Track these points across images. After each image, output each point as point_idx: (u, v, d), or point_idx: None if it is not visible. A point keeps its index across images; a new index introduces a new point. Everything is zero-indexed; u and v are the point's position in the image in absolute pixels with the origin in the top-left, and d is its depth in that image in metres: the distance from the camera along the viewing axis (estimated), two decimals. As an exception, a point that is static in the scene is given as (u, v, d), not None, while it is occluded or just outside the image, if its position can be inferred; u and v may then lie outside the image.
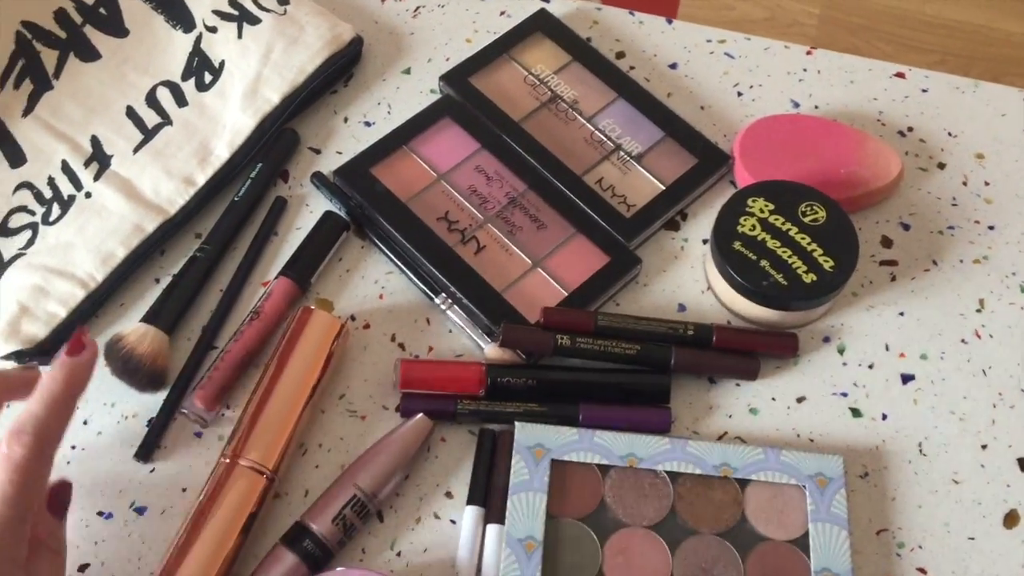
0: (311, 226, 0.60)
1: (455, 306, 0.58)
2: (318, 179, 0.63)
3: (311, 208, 0.62)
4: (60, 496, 0.47)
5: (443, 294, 0.58)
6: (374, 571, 0.48)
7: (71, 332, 0.56)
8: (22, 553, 0.42)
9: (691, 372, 0.57)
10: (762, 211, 0.58)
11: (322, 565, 0.49)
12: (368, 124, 0.66)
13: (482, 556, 0.51)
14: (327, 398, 0.56)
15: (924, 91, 0.67)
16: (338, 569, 0.48)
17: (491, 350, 0.56)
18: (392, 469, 0.52)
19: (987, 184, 0.64)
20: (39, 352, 0.56)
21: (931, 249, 0.61)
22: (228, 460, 0.51)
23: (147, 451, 0.54)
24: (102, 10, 0.68)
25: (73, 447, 0.54)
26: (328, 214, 0.61)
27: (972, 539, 0.52)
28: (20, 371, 0.47)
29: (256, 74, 0.64)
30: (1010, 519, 0.53)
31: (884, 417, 0.56)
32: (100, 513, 0.52)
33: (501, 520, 0.51)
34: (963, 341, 0.58)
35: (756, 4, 1.55)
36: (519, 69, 0.67)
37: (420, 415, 0.53)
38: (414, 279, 0.59)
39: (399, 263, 0.60)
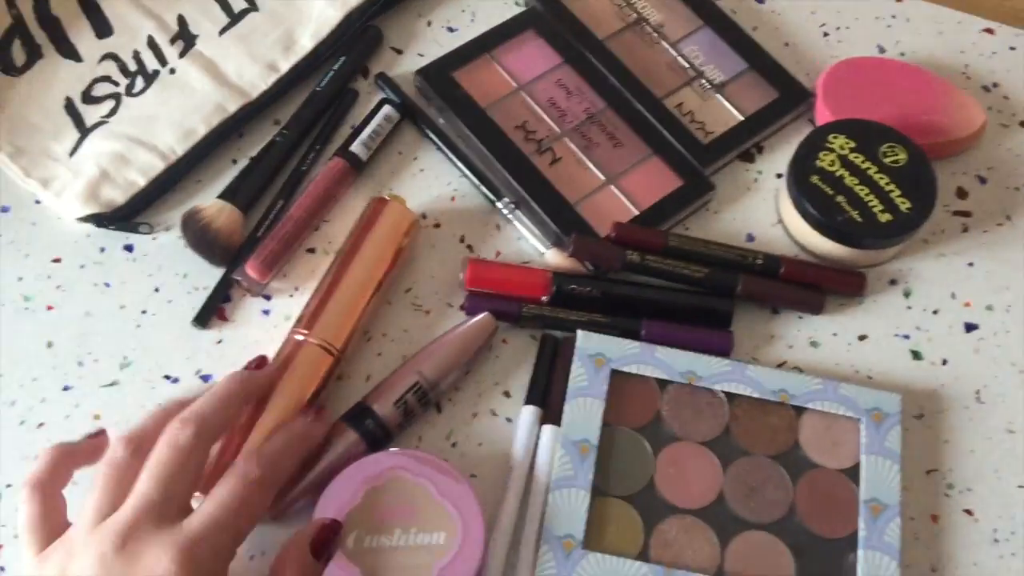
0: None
1: (517, 211, 0.58)
2: (383, 80, 0.63)
3: (389, 106, 0.62)
4: (325, 538, 0.46)
5: (506, 199, 0.58)
6: (429, 454, 0.48)
7: (149, 201, 0.58)
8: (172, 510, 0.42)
9: (756, 300, 0.57)
10: (842, 148, 0.58)
11: (381, 445, 0.50)
12: (451, 30, 0.66)
13: (536, 455, 0.52)
14: (394, 290, 0.56)
15: (1012, 49, 0.66)
16: (392, 450, 0.49)
17: (551, 255, 0.57)
18: (455, 361, 0.52)
19: (1068, 146, 0.63)
20: (115, 217, 0.57)
21: (1006, 204, 0.61)
22: (298, 337, 0.52)
23: (204, 317, 0.55)
24: None
25: (144, 311, 0.55)
26: (383, 101, 0.61)
27: (1021, 487, 0.53)
28: (86, 440, 0.46)
29: (346, -32, 0.64)
30: (1061, 473, 0.53)
31: (944, 362, 0.56)
32: (167, 376, 0.54)
33: (557, 422, 0.52)
34: (1030, 297, 0.58)
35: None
36: (606, -11, 0.67)
37: (486, 313, 0.54)
38: (476, 182, 0.59)
39: (462, 166, 0.60)
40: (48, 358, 0.54)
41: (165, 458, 0.43)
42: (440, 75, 0.62)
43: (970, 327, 0.57)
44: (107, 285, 0.56)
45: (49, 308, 0.55)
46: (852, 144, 0.58)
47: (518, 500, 0.50)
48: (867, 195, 0.56)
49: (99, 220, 0.56)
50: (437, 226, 0.59)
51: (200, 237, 0.55)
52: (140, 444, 0.44)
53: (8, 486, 0.50)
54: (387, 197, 0.56)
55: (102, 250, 0.57)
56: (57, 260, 0.57)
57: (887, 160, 0.57)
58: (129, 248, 0.57)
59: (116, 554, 0.40)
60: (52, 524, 0.43)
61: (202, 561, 0.40)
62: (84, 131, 0.59)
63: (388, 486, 0.47)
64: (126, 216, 0.57)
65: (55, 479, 0.44)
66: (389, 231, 0.55)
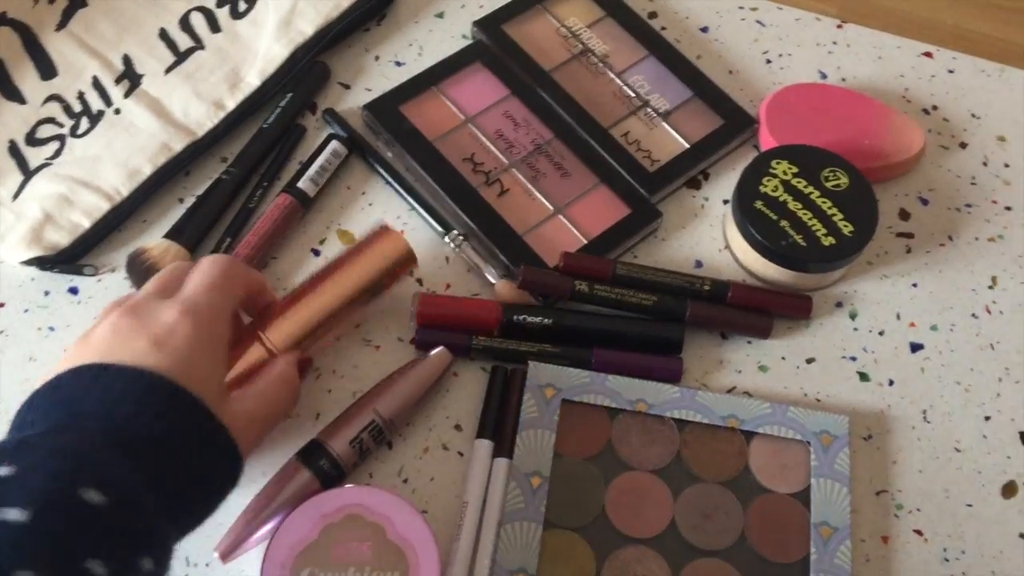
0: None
1: (466, 243, 0.58)
2: (330, 115, 0.63)
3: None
4: (304, 368, 0.52)
5: (454, 231, 0.59)
6: (387, 491, 0.48)
7: (94, 243, 0.57)
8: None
9: (705, 326, 0.57)
10: (785, 173, 0.58)
11: (334, 484, 0.50)
12: (399, 64, 0.66)
13: (488, 488, 0.52)
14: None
15: (951, 72, 0.68)
16: (349, 486, 0.49)
17: (501, 286, 0.57)
18: (411, 399, 0.52)
19: (1007, 166, 0.64)
20: (59, 260, 0.56)
21: (947, 225, 0.62)
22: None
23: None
24: (140, -68, 0.68)
25: (90, 355, 0.55)
26: (330, 136, 0.61)
27: (970, 506, 0.53)
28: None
29: (291, 5, 0.64)
30: (1008, 489, 0.54)
31: (891, 383, 0.57)
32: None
33: (509, 455, 0.52)
34: (973, 315, 0.59)
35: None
36: (552, 21, 0.67)
37: (441, 348, 0.54)
38: (425, 215, 0.60)
39: (411, 200, 0.60)
40: (-8, 404, 0.53)
41: (156, 278, 0.49)
42: (388, 109, 0.62)
43: (915, 347, 0.58)
44: (51, 329, 0.55)
45: (-7, 353, 0.55)
46: (795, 169, 0.59)
47: (473, 536, 0.50)
48: (810, 219, 0.57)
49: (43, 263, 0.56)
50: (386, 260, 0.59)
51: (146, 278, 0.54)
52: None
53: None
54: (389, 226, 0.54)
55: (46, 293, 0.57)
56: (0, 305, 0.56)
57: (829, 184, 0.58)
58: (74, 291, 0.57)
59: (124, 317, 0.44)
60: None
61: (203, 313, 0.45)
62: (28, 174, 0.59)
63: (345, 523, 0.47)
64: (71, 258, 0.57)
65: None
66: (379, 256, 0.53)
